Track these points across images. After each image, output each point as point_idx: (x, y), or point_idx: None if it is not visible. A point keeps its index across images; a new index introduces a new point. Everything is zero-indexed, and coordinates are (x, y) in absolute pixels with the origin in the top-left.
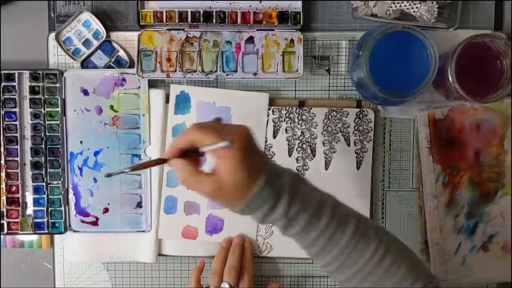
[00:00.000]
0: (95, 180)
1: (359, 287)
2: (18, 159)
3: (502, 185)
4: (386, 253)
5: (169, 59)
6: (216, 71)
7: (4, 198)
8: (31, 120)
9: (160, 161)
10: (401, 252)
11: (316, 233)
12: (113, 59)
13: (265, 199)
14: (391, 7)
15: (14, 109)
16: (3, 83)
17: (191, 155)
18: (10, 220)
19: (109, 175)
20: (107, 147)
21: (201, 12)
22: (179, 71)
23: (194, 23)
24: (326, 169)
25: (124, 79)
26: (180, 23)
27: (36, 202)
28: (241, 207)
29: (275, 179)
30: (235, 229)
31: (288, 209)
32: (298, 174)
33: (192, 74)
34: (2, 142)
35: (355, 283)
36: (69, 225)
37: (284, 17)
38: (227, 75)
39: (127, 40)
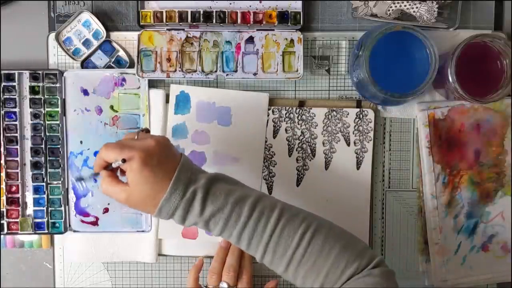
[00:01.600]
0: (95, 180)
1: (298, 277)
2: (18, 159)
3: (502, 185)
4: (315, 236)
5: (169, 59)
6: (216, 71)
7: (4, 198)
8: (31, 120)
9: (96, 174)
10: (333, 234)
11: (238, 229)
12: (113, 59)
13: (176, 205)
14: (391, 7)
15: (14, 109)
16: (3, 83)
17: (112, 169)
18: (10, 220)
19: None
20: None
21: (201, 12)
22: (179, 71)
23: (194, 23)
24: (326, 169)
25: (124, 79)
26: (180, 23)
27: (36, 202)
28: (154, 214)
29: (188, 182)
30: None
31: (203, 209)
32: (219, 175)
33: (192, 74)
34: (2, 142)
35: (293, 271)
36: (69, 225)
37: (284, 17)
38: (227, 75)
39: (127, 40)
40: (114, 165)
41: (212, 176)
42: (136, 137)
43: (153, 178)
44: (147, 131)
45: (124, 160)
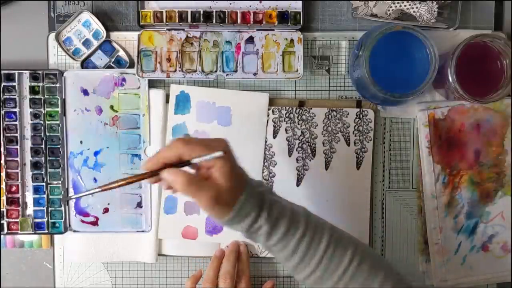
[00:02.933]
0: (95, 180)
1: None
2: (18, 159)
3: (502, 185)
4: (363, 260)
5: (169, 59)
6: (216, 71)
7: (4, 198)
8: (31, 120)
9: (142, 178)
10: (375, 259)
11: (295, 239)
12: (113, 59)
13: (252, 204)
14: (391, 7)
15: (14, 109)
16: (3, 83)
17: (180, 167)
18: (10, 220)
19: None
20: (107, 147)
21: (201, 12)
22: (179, 71)
23: (194, 23)
24: (326, 169)
25: (124, 79)
26: (180, 23)
27: (36, 202)
28: (234, 213)
29: (256, 186)
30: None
31: (270, 214)
32: (267, 188)
33: (192, 74)
34: (2, 142)
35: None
36: (69, 225)
37: (284, 17)
38: (227, 75)
39: (127, 40)
40: (197, 160)
41: (263, 182)
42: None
43: (238, 171)
44: (189, 135)
45: (221, 154)
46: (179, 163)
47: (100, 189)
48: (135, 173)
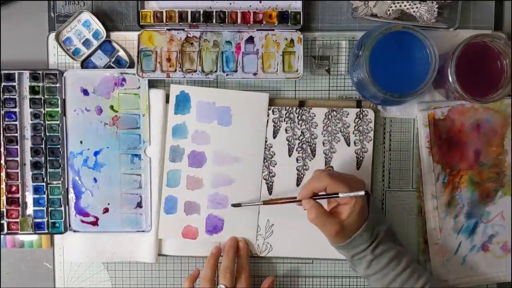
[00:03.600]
0: (95, 180)
1: None
2: (18, 159)
3: (502, 185)
4: None
5: (169, 59)
6: (216, 71)
7: (4, 198)
8: (31, 120)
9: (293, 200)
10: None
11: (393, 274)
12: (113, 59)
13: (365, 239)
14: (391, 7)
15: (14, 109)
16: (3, 83)
17: (323, 197)
18: (10, 220)
19: (237, 205)
20: (107, 147)
21: (201, 12)
22: (179, 71)
23: (194, 23)
24: None
25: (124, 79)
26: (180, 23)
27: (36, 202)
28: (346, 243)
29: (373, 220)
30: (235, 229)
31: (376, 248)
32: (391, 227)
33: (192, 74)
34: (2, 142)
35: None
36: (69, 225)
37: (284, 17)
38: (227, 75)
39: (127, 40)
40: (344, 195)
41: (388, 222)
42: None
43: (364, 216)
44: (333, 168)
45: (367, 193)
46: (324, 195)
47: (262, 203)
48: (277, 199)
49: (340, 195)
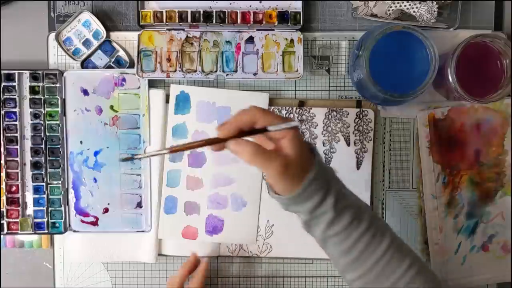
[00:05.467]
0: (95, 180)
1: None
2: (18, 159)
3: (502, 185)
4: (418, 273)
5: (169, 59)
6: (216, 71)
7: (4, 198)
8: (31, 120)
9: (212, 142)
10: (430, 274)
11: (357, 234)
12: (113, 59)
13: (320, 185)
14: (391, 7)
15: (14, 109)
16: (3, 83)
17: (251, 134)
18: (10, 220)
19: (128, 159)
20: (107, 147)
21: (201, 12)
22: (179, 71)
23: (194, 23)
24: None
25: (124, 79)
26: (180, 23)
27: (36, 202)
28: (301, 190)
29: (326, 169)
30: (235, 230)
31: (337, 202)
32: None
33: (192, 74)
34: (2, 142)
35: None
36: (69, 225)
37: (284, 17)
38: (227, 75)
39: (127, 40)
40: (274, 128)
41: (337, 177)
42: None
43: (306, 147)
44: None
45: (298, 124)
46: (251, 131)
47: (168, 151)
48: (185, 143)
49: (270, 128)
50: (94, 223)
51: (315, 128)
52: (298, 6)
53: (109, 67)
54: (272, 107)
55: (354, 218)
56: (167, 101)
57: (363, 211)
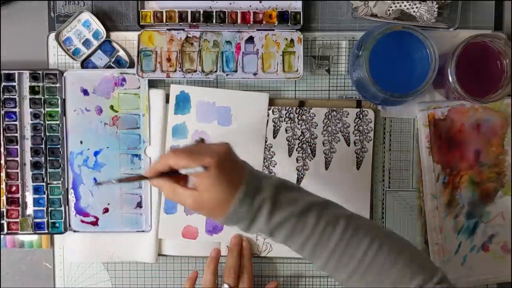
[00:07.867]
0: (95, 180)
1: (360, 287)
2: (18, 159)
3: (502, 185)
4: (380, 248)
5: (169, 59)
6: (216, 71)
7: (4, 198)
8: (31, 120)
9: (142, 178)
10: (397, 246)
11: (302, 238)
12: (113, 59)
13: (245, 213)
14: (391, 7)
15: (14, 109)
16: (3, 83)
17: (173, 175)
18: (10, 220)
19: (98, 184)
20: (107, 147)
21: (201, 12)
22: (179, 71)
23: (194, 23)
24: (326, 169)
25: (124, 79)
26: (180, 23)
27: (36, 202)
28: (222, 220)
29: (255, 192)
30: (235, 229)
31: (269, 220)
32: (284, 182)
33: (192, 74)
34: (2, 142)
35: (356, 280)
36: (69, 225)
37: (284, 17)
38: (227, 75)
39: (127, 40)
40: (185, 172)
41: (277, 184)
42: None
43: (225, 185)
44: (203, 141)
45: (205, 168)
46: (171, 171)
47: (116, 181)
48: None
49: (181, 171)
50: (94, 223)
51: (315, 128)
52: (298, 6)
53: (109, 67)
54: (272, 107)
55: (296, 225)
56: (167, 101)
57: (309, 212)
